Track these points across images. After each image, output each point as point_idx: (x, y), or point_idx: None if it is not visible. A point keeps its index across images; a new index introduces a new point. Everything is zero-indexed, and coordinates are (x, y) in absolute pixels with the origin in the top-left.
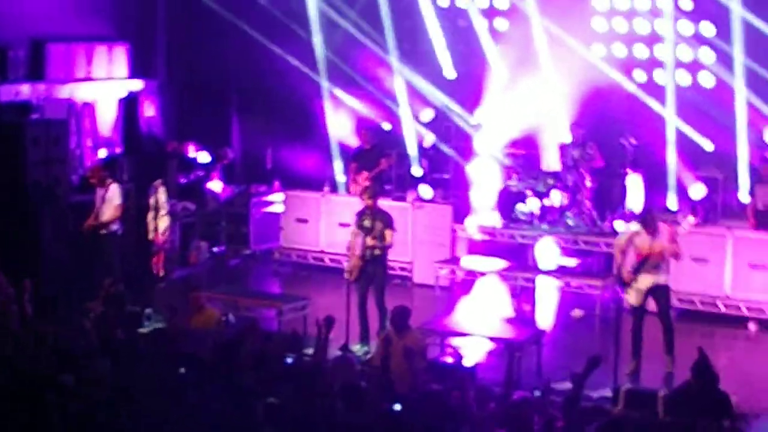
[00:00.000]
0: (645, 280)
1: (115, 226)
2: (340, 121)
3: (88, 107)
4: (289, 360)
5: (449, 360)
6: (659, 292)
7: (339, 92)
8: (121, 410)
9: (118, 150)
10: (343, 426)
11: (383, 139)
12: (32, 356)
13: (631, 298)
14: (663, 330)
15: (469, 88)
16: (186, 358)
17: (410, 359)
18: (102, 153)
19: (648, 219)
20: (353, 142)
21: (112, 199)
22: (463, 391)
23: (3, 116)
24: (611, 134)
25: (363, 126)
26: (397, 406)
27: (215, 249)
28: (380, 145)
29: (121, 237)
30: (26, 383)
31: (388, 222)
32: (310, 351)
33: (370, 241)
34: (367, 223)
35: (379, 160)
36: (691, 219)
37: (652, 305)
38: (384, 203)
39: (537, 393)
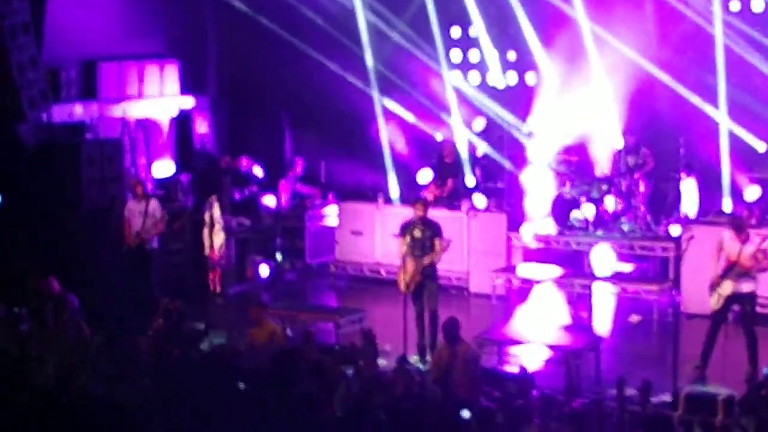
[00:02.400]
0: (727, 287)
1: (156, 242)
2: (392, 132)
3: (141, 125)
4: (349, 372)
5: (508, 369)
6: (743, 300)
7: (390, 103)
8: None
9: (171, 167)
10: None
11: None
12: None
13: (712, 301)
14: (746, 340)
15: (520, 96)
16: (245, 373)
17: (465, 370)
18: (157, 170)
19: (740, 223)
20: (403, 151)
21: (154, 213)
22: (525, 399)
23: (58, 136)
24: (663, 138)
25: (448, 140)
26: (466, 413)
27: (271, 264)
28: (459, 160)
29: (159, 253)
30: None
31: (437, 231)
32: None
33: (427, 260)
34: (417, 233)
35: (456, 174)
36: None
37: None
38: (438, 213)
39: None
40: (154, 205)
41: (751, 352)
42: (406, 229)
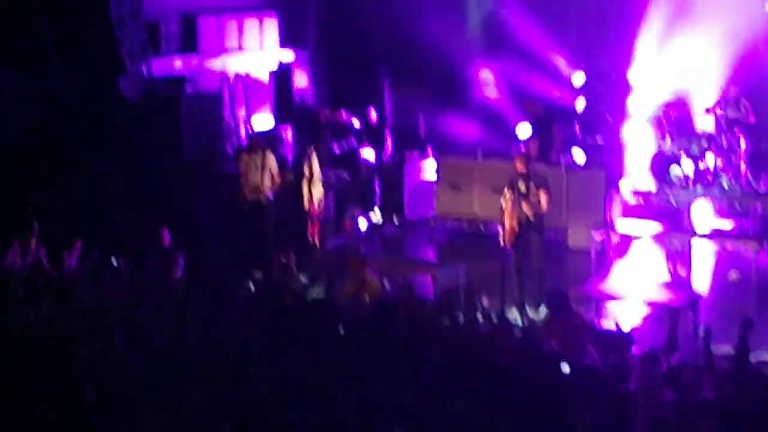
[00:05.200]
0: None
1: (272, 195)
2: (492, 86)
3: (241, 79)
4: (446, 323)
5: (606, 325)
6: None
7: (490, 58)
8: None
9: (271, 121)
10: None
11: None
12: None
13: None
14: None
15: (621, 49)
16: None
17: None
18: (257, 124)
19: None
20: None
21: (271, 167)
22: (623, 356)
23: (158, 90)
24: (766, 95)
25: (531, 96)
26: (566, 367)
27: (370, 217)
28: (549, 113)
29: (275, 206)
30: None
31: (543, 183)
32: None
33: (525, 208)
34: (522, 187)
35: (549, 128)
36: None
37: None
38: (537, 168)
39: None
40: (270, 157)
41: None
42: (511, 183)
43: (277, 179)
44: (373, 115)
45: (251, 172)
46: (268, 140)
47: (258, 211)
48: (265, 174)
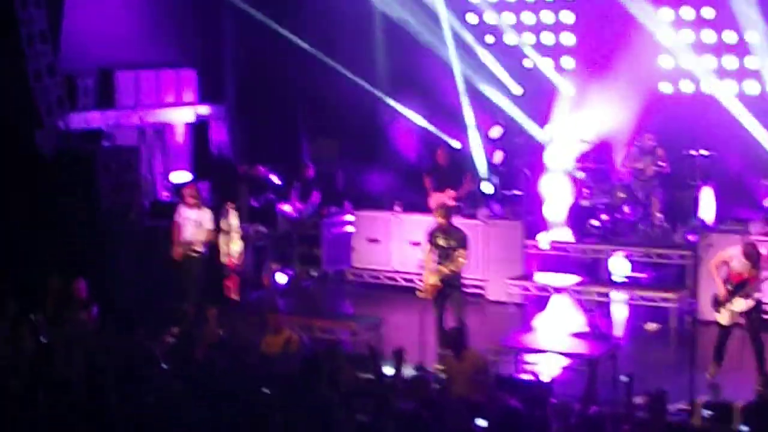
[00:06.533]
0: (740, 303)
1: (204, 250)
2: (408, 139)
3: (158, 133)
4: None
5: (525, 377)
6: (753, 312)
7: (406, 110)
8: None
9: (188, 175)
10: None
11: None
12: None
13: (723, 318)
14: (755, 351)
15: (537, 104)
16: (269, 378)
17: (475, 377)
18: (174, 177)
19: (752, 253)
20: (416, 158)
21: (208, 222)
22: (542, 407)
23: (74, 144)
24: (680, 145)
25: (441, 143)
26: (482, 422)
27: (288, 271)
28: (458, 163)
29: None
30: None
31: (462, 241)
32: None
33: (445, 270)
34: (441, 241)
35: (456, 178)
36: None
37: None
38: (455, 221)
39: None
40: (207, 213)
41: (760, 359)
42: (430, 237)
43: (211, 235)
44: (311, 171)
45: (187, 227)
46: (181, 194)
47: (187, 265)
48: (202, 229)
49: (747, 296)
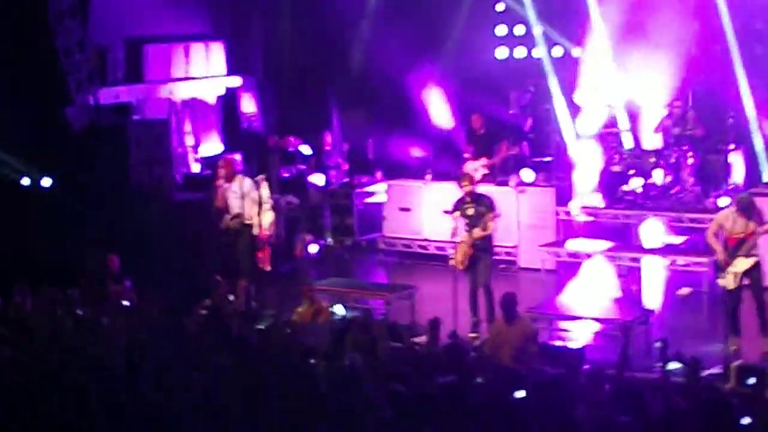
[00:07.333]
0: (742, 263)
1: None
2: (440, 107)
3: (188, 105)
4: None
5: (559, 343)
6: (755, 271)
7: (438, 78)
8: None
9: (218, 147)
10: (462, 412)
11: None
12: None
13: (729, 282)
14: (758, 309)
15: (568, 68)
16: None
17: (525, 346)
18: (204, 150)
19: (747, 206)
20: (448, 126)
21: (250, 192)
22: (575, 373)
23: (104, 119)
24: (713, 109)
25: (476, 111)
26: (521, 393)
27: (320, 241)
28: (494, 130)
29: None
30: None
31: (490, 206)
32: (418, 339)
33: (477, 233)
34: (469, 210)
35: (492, 145)
36: None
37: None
38: (487, 188)
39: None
40: (248, 184)
41: (762, 321)
42: (458, 206)
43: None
44: (328, 139)
45: (234, 200)
46: (213, 166)
47: (244, 235)
48: (247, 200)
49: (747, 254)
